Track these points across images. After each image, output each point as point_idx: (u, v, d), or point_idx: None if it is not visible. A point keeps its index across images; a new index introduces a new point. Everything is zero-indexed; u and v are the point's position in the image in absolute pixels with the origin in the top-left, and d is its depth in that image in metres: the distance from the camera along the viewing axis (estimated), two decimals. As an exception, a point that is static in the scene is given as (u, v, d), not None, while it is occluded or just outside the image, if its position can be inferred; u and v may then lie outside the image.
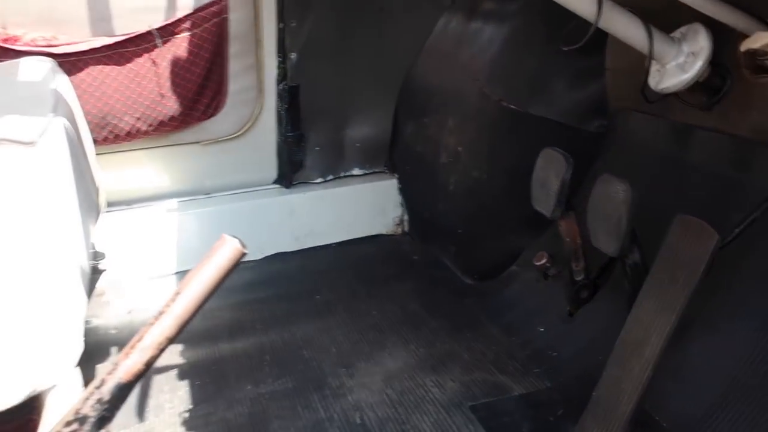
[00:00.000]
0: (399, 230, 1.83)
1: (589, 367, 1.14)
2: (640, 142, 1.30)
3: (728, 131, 1.13)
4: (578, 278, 1.23)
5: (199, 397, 1.14)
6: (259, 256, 1.67)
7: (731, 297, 1.02)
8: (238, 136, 1.68)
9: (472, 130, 1.42)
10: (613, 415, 0.93)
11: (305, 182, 1.77)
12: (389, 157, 1.83)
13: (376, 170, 1.83)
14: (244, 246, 0.68)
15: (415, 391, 1.13)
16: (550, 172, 1.14)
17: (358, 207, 1.78)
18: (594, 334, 1.19)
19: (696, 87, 1.14)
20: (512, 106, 1.37)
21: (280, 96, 1.68)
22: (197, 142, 1.65)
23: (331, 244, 1.74)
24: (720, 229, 0.86)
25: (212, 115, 1.62)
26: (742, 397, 0.95)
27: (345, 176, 1.80)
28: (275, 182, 1.77)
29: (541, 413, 1.05)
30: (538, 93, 1.37)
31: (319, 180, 1.79)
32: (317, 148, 1.75)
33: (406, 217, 1.82)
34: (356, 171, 1.81)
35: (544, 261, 1.30)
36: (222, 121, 1.64)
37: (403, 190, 1.79)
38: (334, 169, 1.80)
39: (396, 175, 1.82)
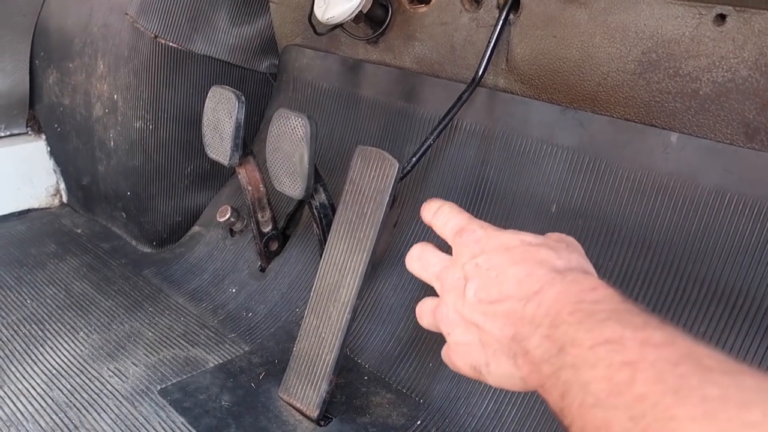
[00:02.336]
0: (56, 201, 1.54)
1: (287, 322, 1.07)
2: (313, 80, 1.24)
3: (394, 64, 1.13)
4: (266, 229, 1.14)
5: None
6: None
7: (416, 228, 1.02)
8: None
9: (128, 73, 1.22)
10: (317, 367, 0.87)
11: None
12: (31, 114, 1.51)
13: (16, 132, 1.50)
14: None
15: (89, 387, 0.94)
16: (221, 114, 1.02)
17: (-3, 178, 1.44)
18: (288, 286, 1.12)
19: (361, 18, 1.11)
20: (171, 44, 1.21)
21: None
22: None
23: (-38, 227, 1.39)
24: (398, 159, 0.84)
25: None
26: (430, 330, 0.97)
27: (-27, 141, 1.45)
28: None
29: (242, 381, 0.95)
30: (200, 29, 1.22)
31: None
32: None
33: (62, 185, 1.54)
34: (-13, 134, 1.46)
35: (228, 216, 1.19)
36: None
37: (55, 153, 1.51)
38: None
39: (43, 136, 1.51)
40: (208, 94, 1.04)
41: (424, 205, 0.70)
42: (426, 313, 0.66)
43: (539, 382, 0.50)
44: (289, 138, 0.92)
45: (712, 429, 0.36)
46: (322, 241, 1.00)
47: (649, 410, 0.39)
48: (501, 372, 0.57)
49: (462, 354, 0.61)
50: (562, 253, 0.58)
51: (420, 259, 0.67)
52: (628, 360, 0.42)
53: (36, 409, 0.89)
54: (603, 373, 0.43)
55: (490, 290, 0.57)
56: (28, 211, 1.50)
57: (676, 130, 0.81)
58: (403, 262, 0.96)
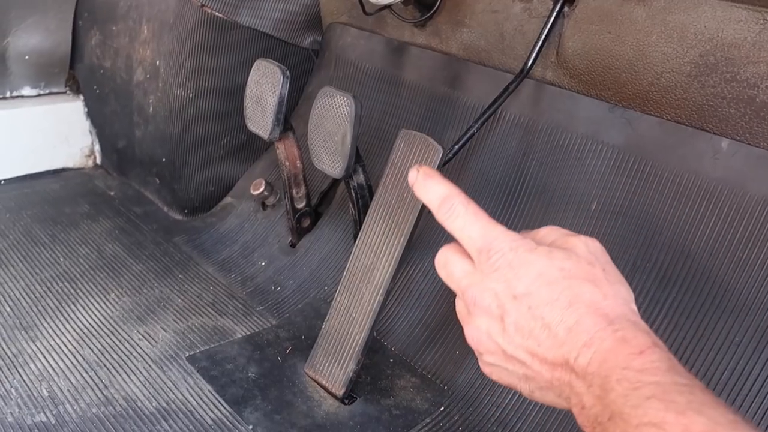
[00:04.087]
0: (90, 162, 1.56)
1: (315, 299, 1.08)
2: (356, 59, 1.24)
3: (440, 49, 1.12)
4: (299, 206, 1.14)
5: None
6: None
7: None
8: None
9: (172, 40, 1.22)
10: (345, 346, 0.88)
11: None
12: (71, 74, 1.52)
13: (55, 90, 1.51)
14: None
15: (119, 348, 0.95)
16: (265, 87, 1.02)
17: (34, 135, 1.45)
18: (318, 264, 1.13)
19: (410, 1, 1.10)
20: (217, 13, 1.21)
21: None
22: None
23: (-1, 182, 1.41)
24: (440, 145, 0.83)
25: None
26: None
27: (12, 97, 1.46)
28: None
29: (268, 354, 0.96)
30: (246, 0, 1.22)
31: (-25, 101, 1.42)
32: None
33: (97, 147, 1.55)
34: (27, 91, 1.47)
35: (261, 189, 1.20)
36: None
37: (92, 115, 1.52)
38: (-4, 87, 1.44)
39: (81, 97, 1.52)
40: (253, 67, 1.04)
41: (416, 174, 0.66)
42: (459, 312, 0.64)
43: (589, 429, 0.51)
44: (333, 116, 0.92)
45: None
46: (357, 222, 1.00)
47: None
48: (547, 401, 0.57)
49: (502, 376, 0.60)
50: (603, 286, 0.56)
51: (445, 267, 0.63)
52: None
53: (67, 366, 0.91)
54: None
55: (535, 332, 0.55)
56: (63, 170, 1.51)
57: (728, 136, 0.80)
58: (436, 248, 0.96)
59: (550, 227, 0.63)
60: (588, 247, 0.59)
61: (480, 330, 0.59)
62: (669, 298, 0.81)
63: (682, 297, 0.80)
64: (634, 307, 0.57)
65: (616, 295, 0.55)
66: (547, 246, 0.58)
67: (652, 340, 0.51)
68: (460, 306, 0.63)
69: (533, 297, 0.55)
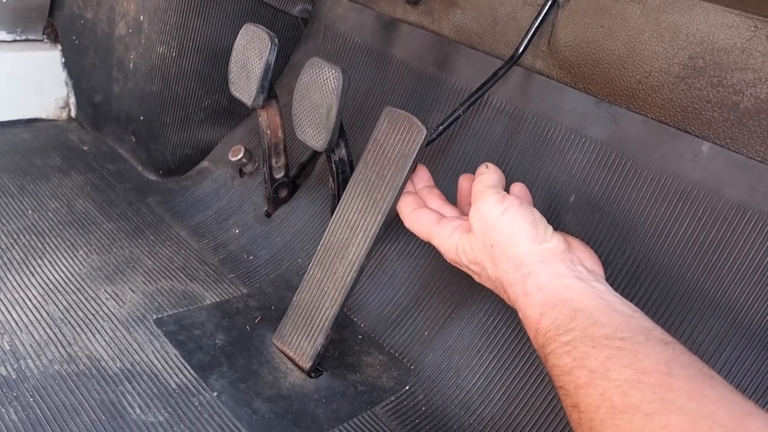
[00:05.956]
0: (64, 115, 1.52)
1: (287, 271, 1.08)
2: (346, 32, 1.22)
3: (432, 29, 1.11)
4: (278, 176, 1.13)
5: None
6: None
7: (430, 196, 1.02)
8: None
9: (159, -5, 1.19)
10: (315, 320, 0.88)
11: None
12: (50, 22, 1.47)
13: (32, 38, 1.47)
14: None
15: (85, 306, 0.94)
16: (251, 53, 1.00)
17: (7, 82, 1.41)
18: (292, 236, 1.12)
19: (405, -23, 1.09)
20: (208, -28, 1.18)
21: None
22: None
23: (-33, 128, 1.37)
24: (425, 126, 0.83)
25: None
26: (430, 299, 0.97)
27: (-14, 41, 1.41)
28: None
29: (237, 322, 0.95)
30: (237, -38, 1.20)
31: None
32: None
33: (72, 100, 1.51)
34: (3, 35, 1.42)
35: (240, 156, 1.19)
36: None
37: (69, 66, 1.48)
38: (-30, 29, 1.39)
39: (59, 47, 1.48)
40: (240, 31, 1.02)
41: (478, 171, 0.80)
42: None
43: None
44: (320, 88, 0.91)
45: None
46: (336, 197, 0.99)
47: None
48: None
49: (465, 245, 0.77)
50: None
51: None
52: None
53: (31, 321, 0.89)
54: None
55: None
56: (35, 120, 1.47)
57: (709, 140, 0.81)
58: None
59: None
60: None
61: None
62: (638, 293, 0.82)
63: (651, 294, 0.82)
64: None
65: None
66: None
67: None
68: None
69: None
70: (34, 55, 1.46)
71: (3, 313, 0.90)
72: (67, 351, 0.86)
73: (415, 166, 0.86)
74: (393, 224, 1.03)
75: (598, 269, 0.73)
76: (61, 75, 1.50)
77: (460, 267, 0.80)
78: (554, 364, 0.61)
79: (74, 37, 1.43)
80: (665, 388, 0.51)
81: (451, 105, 1.04)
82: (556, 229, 0.74)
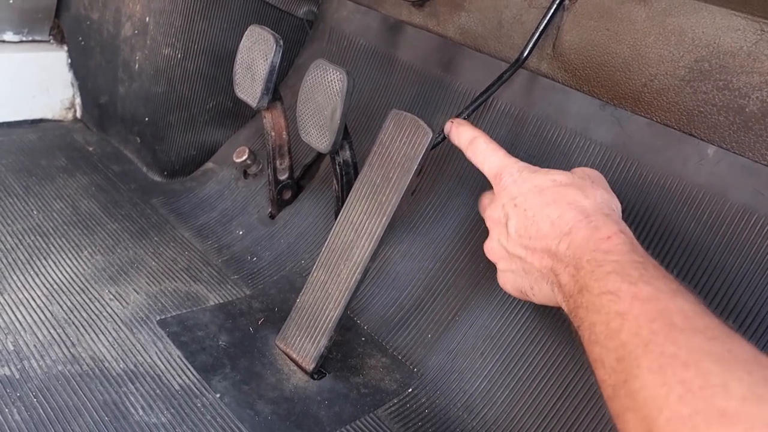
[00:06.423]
0: (69, 115, 1.52)
1: (291, 272, 1.08)
2: (351, 34, 1.22)
3: (437, 31, 1.11)
4: (282, 177, 1.13)
5: None
6: None
7: (434, 199, 1.02)
8: None
9: (165, -3, 1.19)
10: (318, 321, 0.88)
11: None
12: (56, 23, 1.48)
13: (38, 38, 1.47)
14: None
15: (89, 307, 0.94)
16: (256, 54, 1.00)
17: (13, 82, 1.41)
18: (296, 237, 1.12)
19: (410, -21, 1.09)
20: (213, -26, 1.18)
21: None
22: None
23: (-27, 128, 1.37)
24: (431, 128, 0.83)
25: None
26: (434, 302, 0.97)
27: (-7, 41, 1.42)
28: None
29: (240, 323, 0.95)
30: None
31: (-47, 43, 1.38)
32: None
33: (78, 100, 1.51)
34: (9, 36, 1.43)
35: (245, 158, 1.19)
36: None
37: (75, 67, 1.48)
38: (-24, 29, 1.40)
39: (65, 47, 1.48)
40: (246, 33, 1.02)
41: (451, 124, 0.84)
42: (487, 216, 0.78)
43: (568, 310, 0.62)
44: (324, 90, 0.91)
45: (660, 381, 0.46)
46: (340, 199, 0.99)
47: (627, 356, 0.49)
48: (544, 294, 0.69)
49: (510, 280, 0.75)
50: (588, 191, 0.68)
51: (481, 203, 0.82)
52: (621, 311, 0.53)
53: (35, 321, 0.90)
54: (603, 319, 0.54)
55: (528, 228, 0.68)
56: (41, 121, 1.48)
57: (715, 143, 0.80)
58: (416, 231, 0.98)
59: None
60: (586, 170, 0.74)
61: (492, 240, 0.75)
62: (643, 298, 0.82)
63: (656, 298, 0.81)
64: (615, 207, 0.70)
65: (596, 196, 0.68)
66: (538, 170, 0.73)
67: (619, 228, 0.63)
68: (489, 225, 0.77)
69: (528, 202, 0.69)
70: (40, 55, 1.46)
71: (7, 314, 0.90)
72: (70, 351, 0.86)
73: (421, 169, 0.86)
74: (397, 226, 1.03)
75: None
76: (67, 76, 1.50)
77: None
78: (617, 260, 0.58)
79: (80, 38, 1.43)
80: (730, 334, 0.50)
81: (456, 107, 1.04)
82: None
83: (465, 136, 0.81)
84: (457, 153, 1.03)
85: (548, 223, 0.66)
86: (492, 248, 0.76)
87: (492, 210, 0.75)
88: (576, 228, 0.64)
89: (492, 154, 0.77)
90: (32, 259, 1.02)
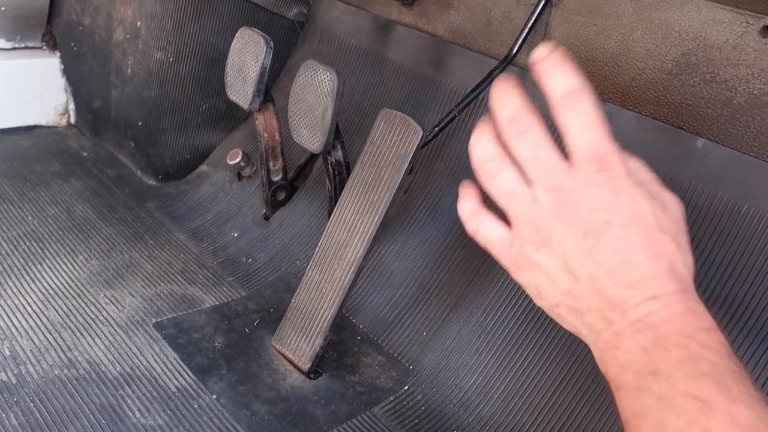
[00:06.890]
0: (63, 121, 1.53)
1: (286, 273, 1.08)
2: (341, 34, 1.23)
3: (427, 30, 1.12)
4: (276, 178, 1.14)
5: None
6: None
7: (427, 198, 1.03)
8: None
9: (155, 1, 1.20)
10: (314, 321, 0.88)
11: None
12: (48, 29, 1.48)
13: (31, 45, 1.48)
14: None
15: (85, 311, 0.94)
16: (247, 56, 1.01)
17: (7, 89, 1.42)
18: (291, 238, 1.13)
19: (400, -21, 1.09)
20: (203, -22, 1.18)
21: None
22: None
23: (-33, 136, 1.38)
24: (422, 127, 0.83)
25: None
26: (428, 299, 0.97)
27: (-15, 49, 1.42)
28: None
29: (236, 325, 0.96)
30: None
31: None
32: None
33: (72, 106, 1.52)
34: (2, 43, 1.43)
35: (238, 160, 1.19)
36: None
37: (68, 72, 1.48)
38: (-31, 37, 1.40)
39: (58, 53, 1.49)
40: (236, 35, 1.03)
41: (542, 50, 0.60)
42: (500, 177, 0.61)
43: (610, 375, 0.53)
44: (315, 91, 0.91)
45: None
46: (333, 198, 1.00)
47: None
48: (566, 322, 0.58)
49: (533, 276, 0.58)
50: (684, 253, 0.56)
51: (536, 147, 0.60)
52: (710, 428, 0.44)
53: (31, 326, 0.90)
54: (682, 426, 0.45)
55: (611, 266, 0.54)
56: (35, 127, 1.48)
57: (703, 136, 0.81)
58: (409, 229, 0.97)
59: (637, 161, 0.61)
60: (679, 208, 0.60)
61: (546, 220, 0.57)
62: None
63: (648, 291, 0.82)
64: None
65: (688, 267, 0.56)
66: (641, 185, 0.57)
67: (714, 323, 0.52)
68: (510, 182, 0.60)
69: (626, 233, 0.54)
70: (33, 62, 1.47)
71: (3, 319, 0.90)
72: (67, 356, 0.86)
73: (412, 168, 0.86)
74: (390, 225, 1.04)
75: None
76: (61, 82, 1.50)
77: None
78: (715, 362, 0.50)
79: (72, 44, 1.44)
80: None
81: (446, 106, 1.04)
82: None
83: (564, 80, 0.59)
84: (449, 151, 1.03)
85: (639, 274, 0.54)
86: (540, 224, 0.57)
87: (570, 196, 0.56)
88: (670, 299, 0.52)
89: (597, 125, 0.57)
90: (28, 264, 1.02)
